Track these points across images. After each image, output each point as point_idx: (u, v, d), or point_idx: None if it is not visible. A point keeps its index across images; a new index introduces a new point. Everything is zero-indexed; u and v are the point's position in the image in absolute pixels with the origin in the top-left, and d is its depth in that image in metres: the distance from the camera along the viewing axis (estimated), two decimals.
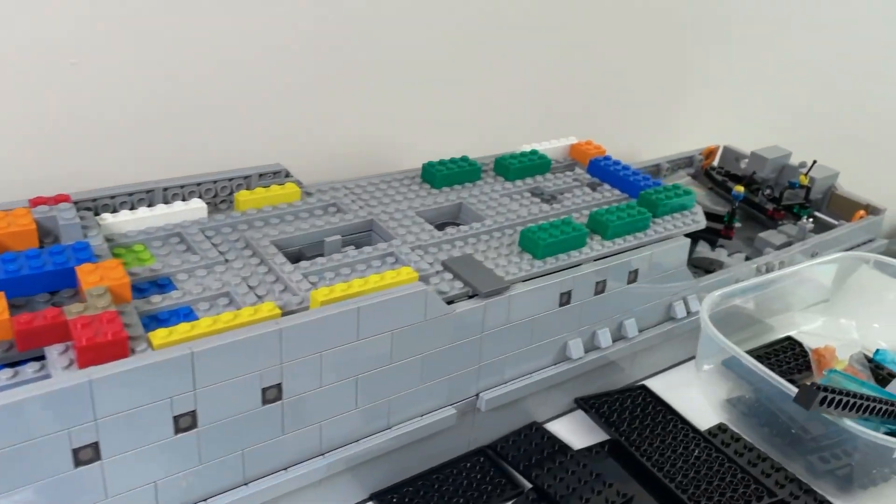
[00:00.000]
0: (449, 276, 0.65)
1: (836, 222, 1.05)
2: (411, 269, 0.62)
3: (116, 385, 0.47)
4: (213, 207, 0.71)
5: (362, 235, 0.72)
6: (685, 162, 1.18)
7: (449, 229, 0.73)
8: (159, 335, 0.50)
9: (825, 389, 0.62)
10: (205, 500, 0.54)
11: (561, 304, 0.70)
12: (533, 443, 0.71)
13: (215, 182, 0.71)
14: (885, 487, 0.70)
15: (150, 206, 0.68)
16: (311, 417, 0.57)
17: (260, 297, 0.58)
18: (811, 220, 1.00)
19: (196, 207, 0.68)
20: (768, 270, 0.90)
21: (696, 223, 0.82)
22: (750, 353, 0.76)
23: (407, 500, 0.64)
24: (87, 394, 0.46)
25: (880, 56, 1.41)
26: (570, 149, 0.94)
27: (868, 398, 0.66)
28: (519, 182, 0.85)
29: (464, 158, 0.85)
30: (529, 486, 0.67)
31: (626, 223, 0.75)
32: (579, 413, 0.77)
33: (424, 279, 0.64)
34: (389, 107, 0.98)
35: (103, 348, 0.47)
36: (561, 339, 0.71)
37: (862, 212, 1.05)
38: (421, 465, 0.66)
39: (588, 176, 0.89)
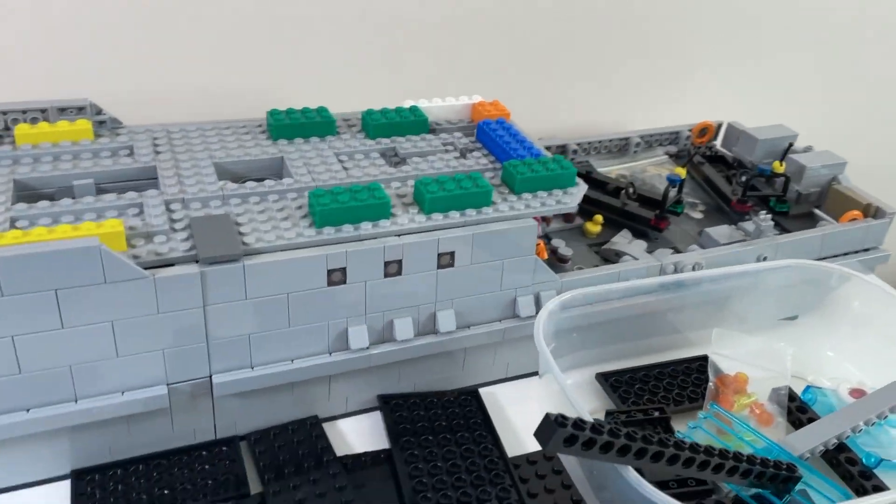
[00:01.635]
0: (185, 235, 0.56)
1: (831, 223, 0.84)
2: (118, 223, 0.54)
3: None
4: None
5: (141, 183, 0.64)
6: (668, 139, 1.00)
7: (249, 184, 0.64)
8: None
9: (578, 425, 0.47)
10: None
11: (331, 283, 0.58)
12: (295, 440, 0.61)
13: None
14: None
15: None
16: None
17: None
18: (769, 215, 0.80)
19: None
20: (676, 272, 0.72)
21: (560, 205, 0.66)
22: (636, 369, 0.67)
23: (109, 482, 0.57)
24: None
25: None
26: (472, 108, 0.81)
27: (661, 441, 0.50)
28: (383, 140, 0.74)
29: (320, 109, 0.74)
30: (255, 492, 0.57)
31: (451, 196, 0.62)
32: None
33: (148, 237, 0.56)
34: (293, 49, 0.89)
35: None
36: (338, 324, 0.60)
37: (856, 213, 0.82)
38: (136, 448, 0.59)
39: (468, 140, 0.76)
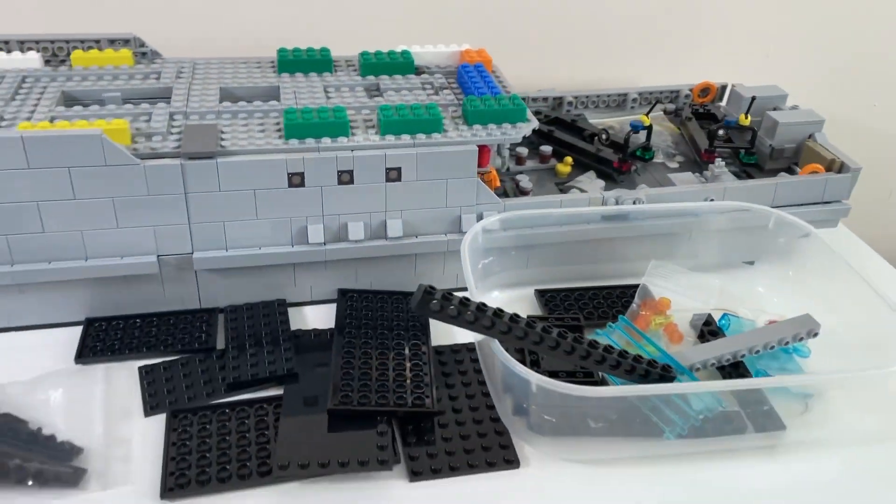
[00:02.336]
0: (177, 138, 0.70)
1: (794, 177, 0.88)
2: (124, 123, 0.68)
3: None
4: (57, 61, 0.83)
5: (158, 99, 0.78)
6: (668, 97, 1.05)
7: (241, 103, 0.77)
8: None
9: (446, 297, 0.57)
10: None
11: (292, 185, 0.71)
12: (262, 315, 0.74)
13: (48, 39, 0.82)
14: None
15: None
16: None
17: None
18: (723, 162, 0.85)
19: (29, 57, 0.80)
20: (618, 204, 0.79)
21: (505, 136, 0.75)
22: (572, 290, 0.80)
23: (111, 329, 0.72)
24: None
25: None
26: (460, 55, 0.90)
27: (528, 324, 0.59)
28: (371, 78, 0.85)
29: (322, 49, 0.87)
30: (221, 346, 0.71)
31: (404, 121, 0.73)
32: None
33: (149, 136, 0.70)
34: None
35: None
36: (298, 220, 0.73)
37: (817, 166, 0.86)
38: (134, 307, 0.74)
39: (446, 81, 0.86)
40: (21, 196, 0.65)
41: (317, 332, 0.74)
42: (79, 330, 0.72)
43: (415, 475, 0.60)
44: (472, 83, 0.82)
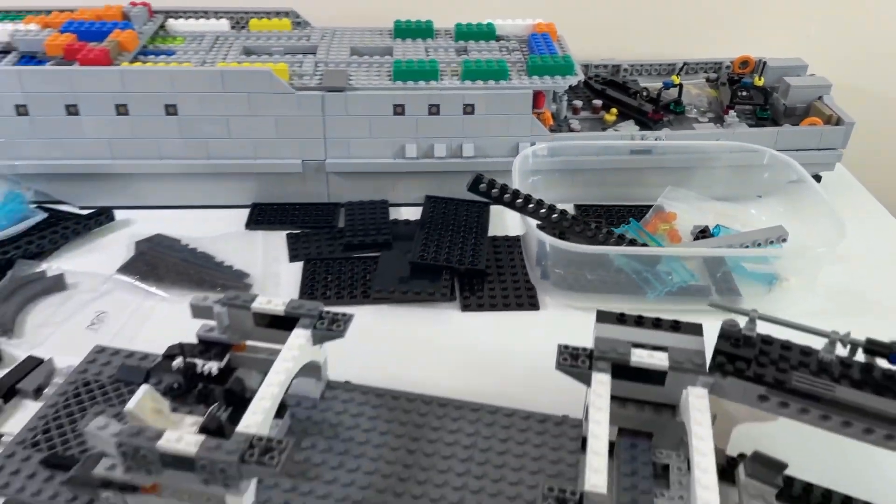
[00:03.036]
0: (319, 77, 1.00)
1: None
2: (285, 65, 0.99)
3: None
4: (241, 27, 1.16)
5: (307, 55, 1.09)
6: (712, 67, 1.26)
7: (365, 57, 1.07)
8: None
9: (492, 183, 0.83)
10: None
11: (395, 114, 0.99)
12: (369, 209, 1.03)
13: (236, 12, 1.15)
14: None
15: (196, 19, 1.15)
16: (198, 133, 0.99)
17: (205, 62, 1.01)
18: (735, 114, 1.06)
19: (221, 23, 1.13)
20: (642, 140, 1.02)
21: (555, 84, 1.01)
22: (605, 205, 1.04)
23: (268, 210, 1.03)
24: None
25: None
26: (533, 27, 1.16)
27: (550, 208, 0.84)
28: (462, 42, 1.13)
29: (427, 21, 1.15)
30: (341, 226, 1.00)
31: (479, 70, 1.00)
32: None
33: (300, 76, 1.00)
34: None
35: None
36: (399, 140, 1.01)
37: (816, 119, 1.05)
38: (285, 197, 1.04)
39: (518, 45, 1.12)
40: (217, 111, 0.97)
41: (407, 222, 1.02)
42: (247, 210, 1.04)
43: (465, 308, 0.87)
44: (537, 47, 1.08)
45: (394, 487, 0.62)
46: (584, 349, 0.62)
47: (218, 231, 0.99)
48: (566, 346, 0.63)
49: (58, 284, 0.88)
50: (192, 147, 0.99)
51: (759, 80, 1.11)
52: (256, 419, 0.57)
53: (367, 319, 0.86)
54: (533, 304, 0.88)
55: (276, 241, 0.99)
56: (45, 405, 0.69)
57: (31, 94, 0.95)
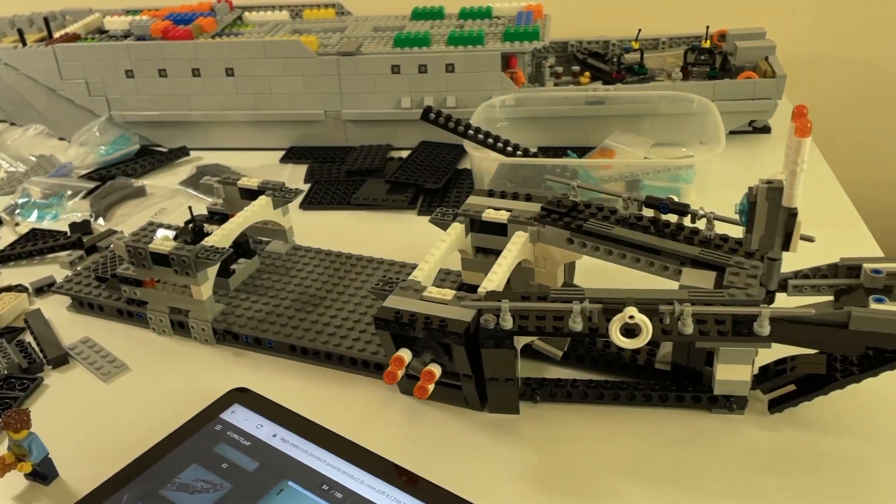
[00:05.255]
0: (338, 46, 1.30)
1: None
2: (315, 37, 1.29)
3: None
4: (296, 16, 1.49)
5: (337, 32, 1.39)
6: (692, 40, 1.43)
7: (379, 32, 1.35)
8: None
9: (440, 113, 1.08)
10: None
11: (393, 73, 1.26)
12: (377, 150, 1.31)
13: (294, 6, 1.48)
14: None
15: (265, 11, 1.49)
16: (248, 90, 1.31)
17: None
18: (680, 72, 1.23)
19: (282, 14, 1.47)
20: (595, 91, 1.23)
21: (521, 46, 1.24)
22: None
23: (301, 153, 1.34)
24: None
25: None
26: (525, 8, 1.40)
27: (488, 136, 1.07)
28: (461, 21, 1.39)
29: (439, 7, 1.42)
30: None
31: (459, 37, 1.25)
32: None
33: (325, 45, 1.31)
34: None
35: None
36: (396, 94, 1.28)
37: (751, 73, 1.20)
38: (313, 141, 1.34)
39: (507, 22, 1.36)
40: (261, 72, 1.30)
41: (401, 159, 1.29)
42: (283, 152, 1.35)
43: (420, 213, 1.12)
44: (518, 20, 1.31)
45: (312, 300, 0.89)
46: (456, 211, 0.86)
47: (258, 164, 1.31)
48: (444, 209, 0.87)
49: (140, 192, 1.23)
50: (244, 100, 1.32)
51: (706, 42, 1.27)
52: (214, 238, 0.86)
53: (348, 220, 1.13)
54: None
55: (299, 170, 1.29)
56: (106, 251, 1.02)
57: (136, 61, 1.32)
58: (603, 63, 1.36)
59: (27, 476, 0.71)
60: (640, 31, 1.40)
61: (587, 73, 1.35)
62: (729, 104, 1.20)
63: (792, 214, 0.64)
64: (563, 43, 1.45)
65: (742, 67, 1.26)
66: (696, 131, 1.21)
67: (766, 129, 1.27)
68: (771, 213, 0.65)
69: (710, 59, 1.28)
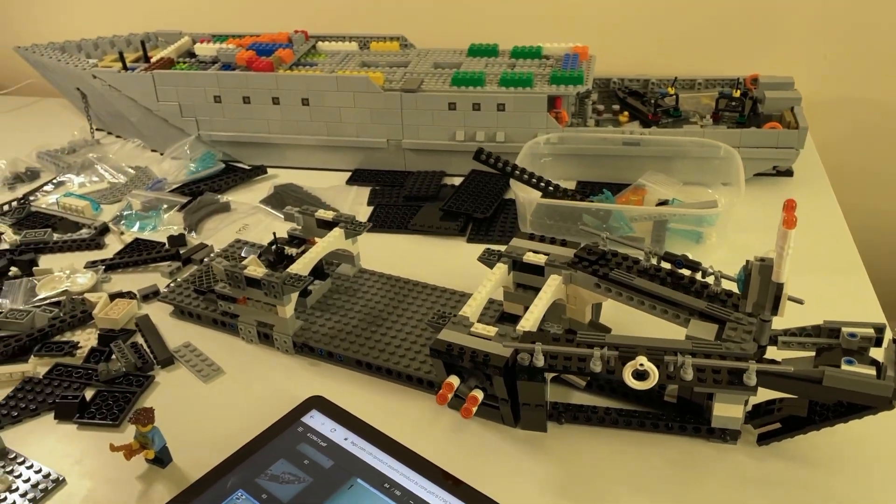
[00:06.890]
0: (403, 83, 1.45)
1: None
2: (381, 73, 1.44)
3: None
4: (364, 48, 1.64)
5: (402, 66, 1.54)
6: (729, 83, 1.54)
7: (438, 70, 1.50)
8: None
9: (490, 155, 1.22)
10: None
11: (450, 109, 1.41)
12: (433, 176, 1.46)
13: (363, 37, 1.63)
14: None
15: (336, 42, 1.65)
16: (321, 118, 1.47)
17: (333, 71, 1.50)
18: (710, 119, 1.35)
19: (352, 45, 1.62)
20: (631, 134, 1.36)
21: (567, 90, 1.37)
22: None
23: (367, 175, 1.50)
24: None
25: None
26: (571, 49, 1.53)
27: (544, 182, 1.21)
28: (513, 60, 1.52)
29: (493, 45, 1.56)
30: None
31: (510, 79, 1.39)
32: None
33: (389, 81, 1.46)
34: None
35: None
36: (451, 127, 1.43)
37: (776, 124, 1.32)
38: (376, 165, 1.50)
39: (555, 63, 1.49)
40: (333, 103, 1.45)
41: (453, 186, 1.44)
42: (349, 173, 1.51)
43: (469, 241, 1.27)
44: (566, 63, 1.45)
45: (375, 321, 1.05)
46: (500, 251, 1.01)
47: (327, 185, 1.47)
48: (489, 250, 1.02)
49: (225, 207, 1.40)
50: (317, 127, 1.49)
51: (736, 92, 1.39)
52: (297, 266, 1.03)
53: (405, 243, 1.29)
54: None
55: (363, 192, 1.45)
56: (202, 265, 1.20)
57: (223, 88, 1.49)
58: (641, 104, 1.49)
59: (148, 461, 0.88)
60: (675, 78, 1.52)
61: (626, 113, 1.47)
62: (754, 151, 1.32)
63: (779, 287, 0.77)
64: (605, 80, 1.58)
65: (770, 116, 1.38)
66: (721, 174, 1.33)
67: (788, 173, 1.39)
68: (762, 285, 0.78)
69: (740, 107, 1.40)
